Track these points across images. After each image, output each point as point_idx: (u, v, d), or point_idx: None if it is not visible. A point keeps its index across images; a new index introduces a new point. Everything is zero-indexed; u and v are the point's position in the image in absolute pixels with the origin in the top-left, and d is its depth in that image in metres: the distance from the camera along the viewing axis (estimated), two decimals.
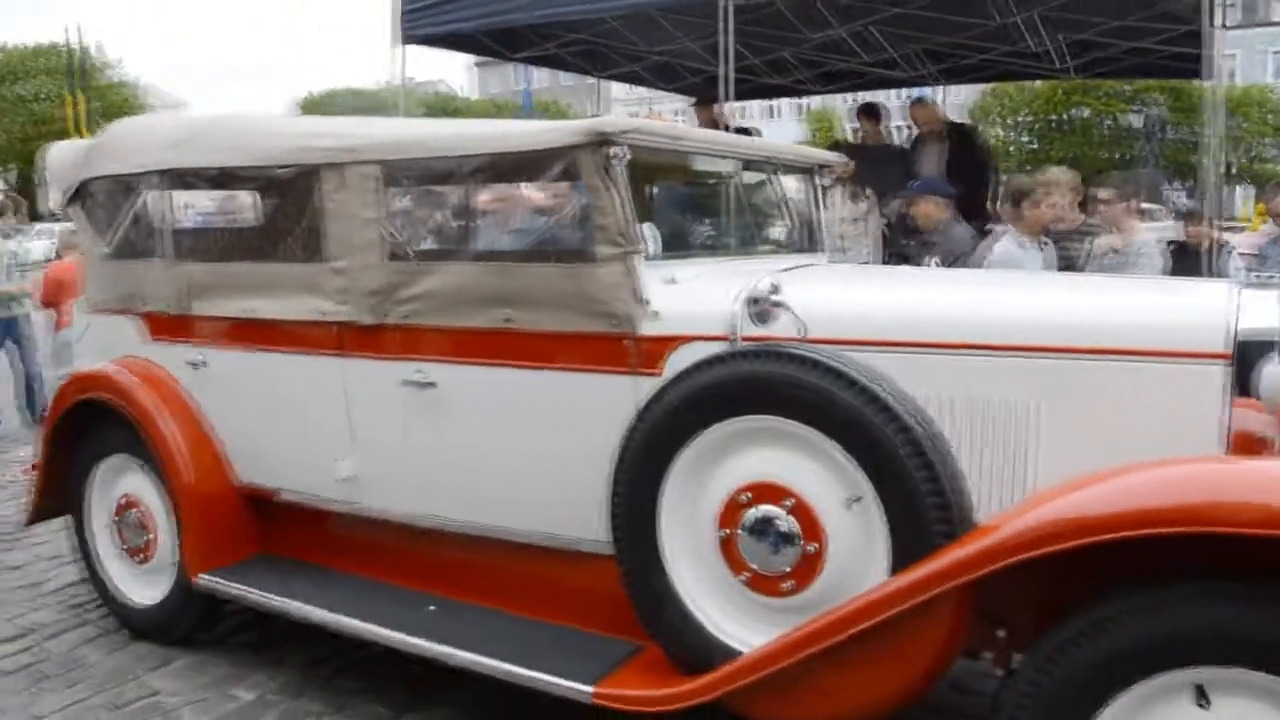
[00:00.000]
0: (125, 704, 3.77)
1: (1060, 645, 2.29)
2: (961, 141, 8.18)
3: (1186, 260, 6.93)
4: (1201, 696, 2.17)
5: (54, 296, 8.27)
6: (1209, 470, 2.31)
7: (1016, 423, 2.76)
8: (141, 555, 4.30)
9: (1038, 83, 39.44)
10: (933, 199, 6.04)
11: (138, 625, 4.36)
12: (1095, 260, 5.74)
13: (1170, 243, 7.50)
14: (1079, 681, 2.26)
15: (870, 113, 8.27)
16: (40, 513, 4.70)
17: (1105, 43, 8.62)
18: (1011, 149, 44.28)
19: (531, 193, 5.81)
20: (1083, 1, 7.69)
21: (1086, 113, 42.55)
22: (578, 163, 3.07)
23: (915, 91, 9.63)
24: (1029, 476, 2.77)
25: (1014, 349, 2.75)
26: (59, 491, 4.59)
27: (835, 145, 8.30)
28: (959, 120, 9.40)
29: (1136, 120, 32.89)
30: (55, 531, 5.52)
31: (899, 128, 11.83)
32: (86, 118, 13.94)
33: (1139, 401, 2.63)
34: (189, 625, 4.23)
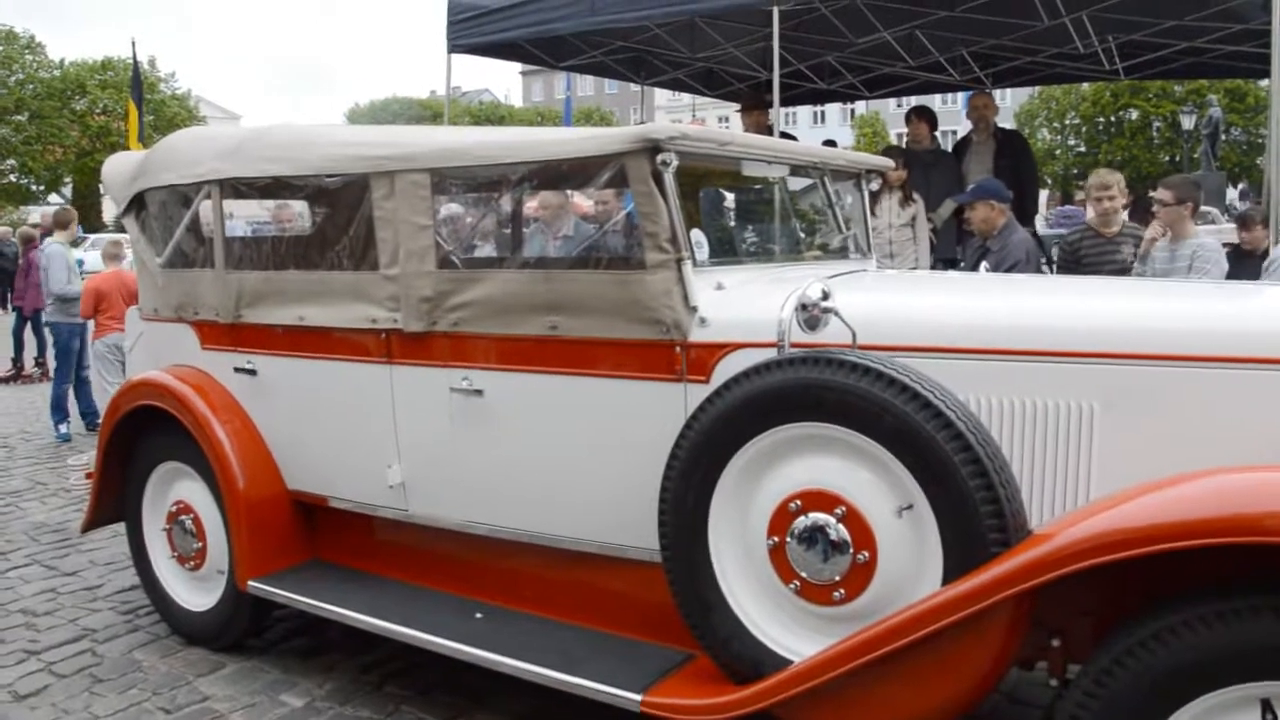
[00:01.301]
0: (179, 708, 3.81)
1: (1118, 657, 2.24)
2: (1010, 146, 8.07)
3: (1243, 265, 6.79)
4: (1268, 711, 2.12)
5: (95, 308, 8.52)
6: (1270, 479, 2.24)
7: (1072, 430, 2.71)
8: (193, 561, 4.35)
9: (1085, 85, 39.12)
10: (989, 203, 5.94)
11: (189, 630, 4.41)
12: (1147, 262, 5.64)
13: (1225, 245, 7.37)
14: (1137, 695, 2.21)
15: (924, 115, 8.16)
16: (96, 519, 4.76)
17: (1158, 43, 8.50)
18: (1059, 152, 43.86)
19: (579, 201, 5.83)
20: (1135, 2, 7.59)
21: (1135, 115, 42.08)
22: (626, 169, 3.06)
23: (962, 95, 9.52)
24: (1085, 485, 2.71)
25: (1070, 355, 2.70)
26: (114, 498, 4.66)
27: (888, 150, 8.23)
28: (1004, 126, 9.25)
29: (1187, 121, 32.32)
30: (110, 538, 5.64)
31: (943, 133, 11.73)
32: (140, 129, 14.15)
33: (1203, 409, 2.57)
34: (240, 631, 4.27)
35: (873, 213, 6.17)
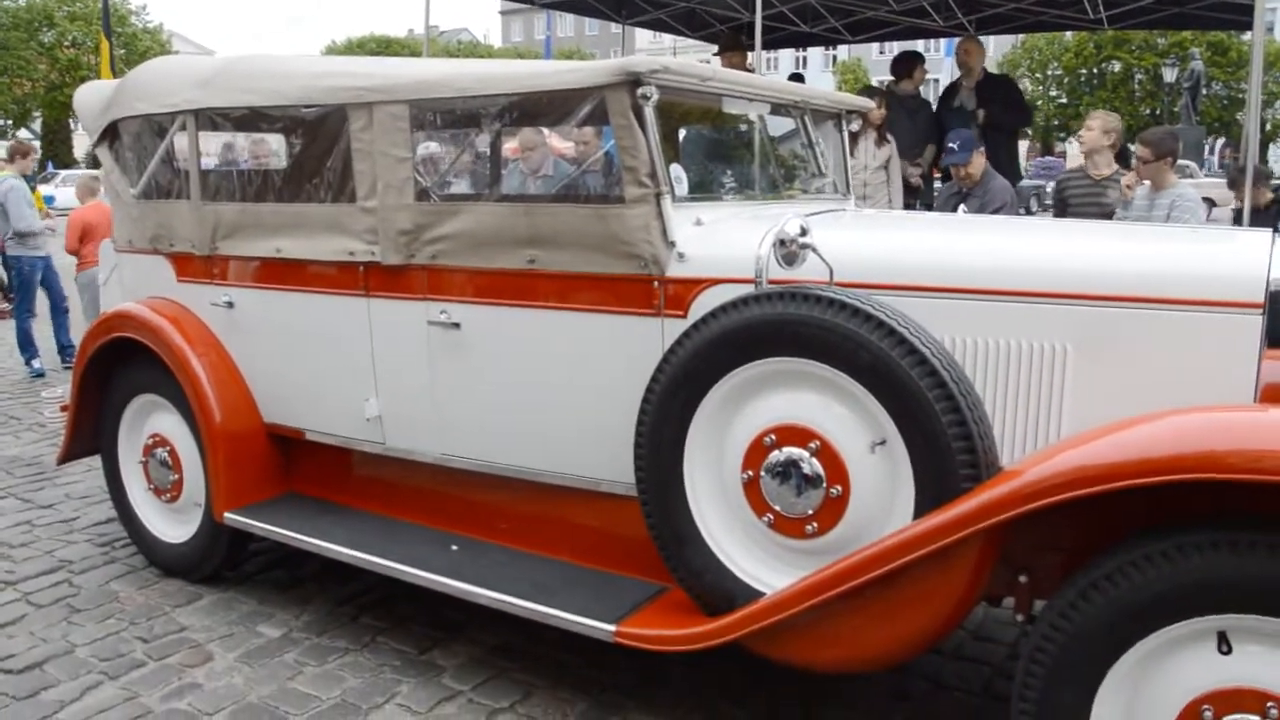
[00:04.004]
0: (156, 638, 3.84)
1: (1083, 591, 2.28)
2: (991, 92, 7.99)
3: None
4: (1224, 642, 2.17)
5: (80, 241, 8.40)
6: (1233, 419, 2.28)
7: (1045, 369, 2.74)
8: (170, 494, 4.35)
9: (1068, 35, 38.97)
10: (979, 151, 5.99)
11: (166, 562, 4.43)
12: (1128, 208, 5.67)
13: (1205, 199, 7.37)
14: (1100, 628, 2.26)
15: (921, 61, 8.05)
16: (71, 452, 4.75)
17: None
18: (1040, 103, 43.80)
19: (558, 142, 5.79)
20: None
21: (1117, 67, 42.07)
22: (607, 102, 3.04)
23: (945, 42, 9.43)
24: (1056, 423, 2.75)
25: (1044, 295, 2.72)
26: (89, 431, 4.65)
27: (867, 90, 8.13)
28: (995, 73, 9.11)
29: (1169, 74, 32.29)
30: (86, 471, 5.63)
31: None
32: (111, 62, 13.90)
33: (1172, 350, 2.60)
34: (216, 563, 4.29)
35: (851, 154, 6.17)
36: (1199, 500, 2.25)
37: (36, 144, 10.20)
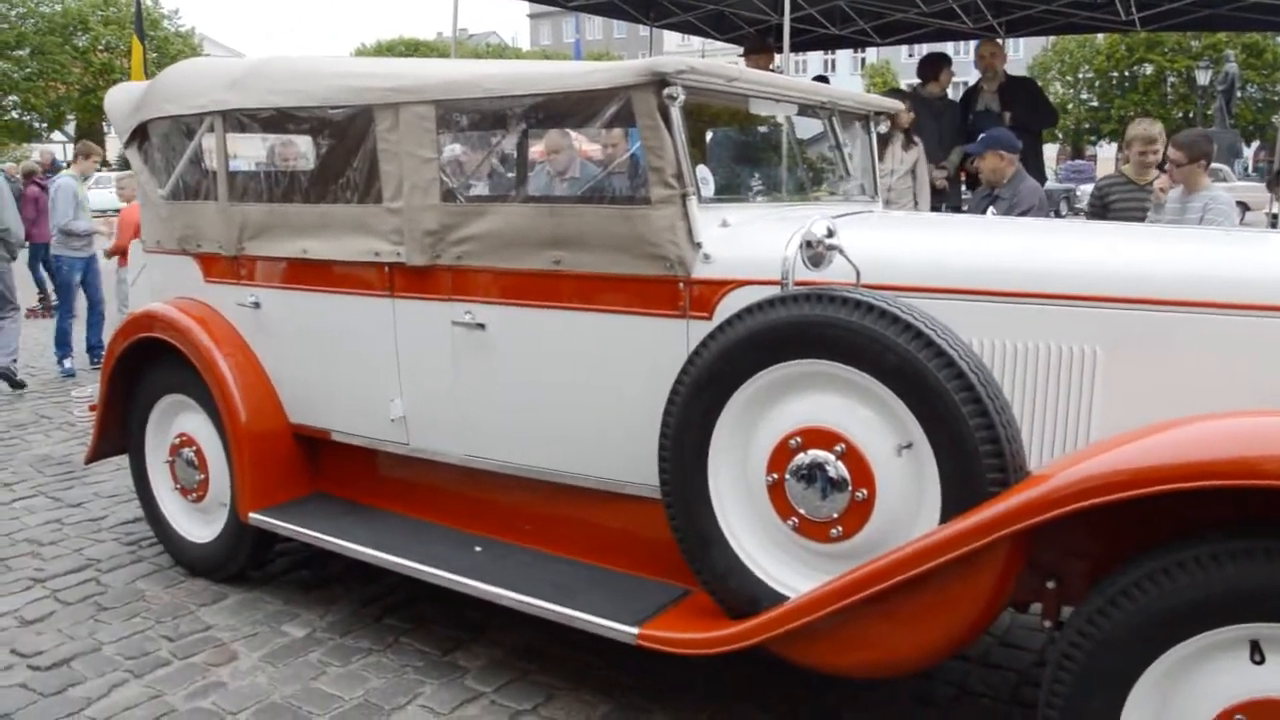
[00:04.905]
0: (181, 636, 3.86)
1: (1111, 598, 2.24)
2: (1015, 94, 7.91)
3: None
4: (1256, 651, 2.13)
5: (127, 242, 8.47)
6: (1267, 424, 2.22)
7: (1074, 373, 2.70)
8: (196, 493, 4.38)
9: (1100, 38, 38.66)
10: (999, 153, 5.92)
11: (192, 561, 4.45)
12: (1160, 211, 5.61)
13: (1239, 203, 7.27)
14: (1129, 635, 2.22)
15: (949, 63, 8.00)
16: (99, 451, 4.79)
17: None
18: (1071, 106, 43.48)
19: (584, 144, 5.80)
20: None
21: (1150, 69, 41.69)
22: (633, 103, 3.03)
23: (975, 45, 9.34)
24: (1085, 427, 2.71)
25: (1074, 298, 2.68)
26: (117, 431, 4.69)
27: (893, 93, 8.06)
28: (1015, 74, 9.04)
29: (1203, 77, 31.92)
30: (114, 470, 5.68)
31: (955, 83, 11.57)
32: (145, 65, 14.01)
33: (1203, 355, 2.55)
34: (241, 563, 4.31)
35: (880, 158, 6.13)
36: (1231, 507, 2.21)
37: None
